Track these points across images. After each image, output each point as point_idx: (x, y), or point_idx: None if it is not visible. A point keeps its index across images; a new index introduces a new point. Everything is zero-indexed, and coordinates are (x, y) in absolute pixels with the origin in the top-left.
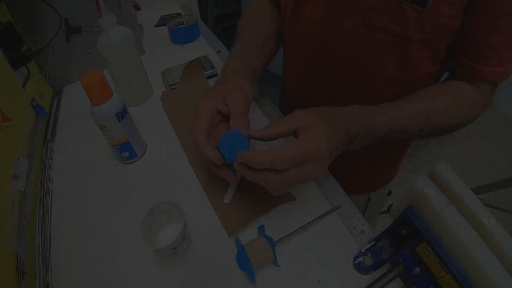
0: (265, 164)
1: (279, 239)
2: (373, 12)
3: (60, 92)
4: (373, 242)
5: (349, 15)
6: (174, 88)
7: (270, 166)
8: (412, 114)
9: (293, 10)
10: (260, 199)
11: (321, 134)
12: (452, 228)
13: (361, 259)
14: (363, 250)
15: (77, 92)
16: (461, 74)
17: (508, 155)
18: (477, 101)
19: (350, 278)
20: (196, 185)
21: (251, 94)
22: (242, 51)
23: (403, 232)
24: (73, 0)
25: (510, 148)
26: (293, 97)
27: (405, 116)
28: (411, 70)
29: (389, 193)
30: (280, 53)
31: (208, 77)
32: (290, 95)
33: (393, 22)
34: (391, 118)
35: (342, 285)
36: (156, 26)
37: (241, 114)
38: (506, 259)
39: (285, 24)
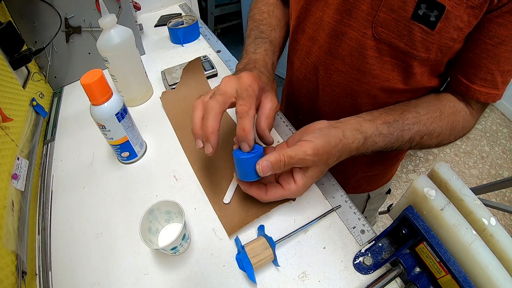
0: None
1: (279, 239)
2: (383, 26)
3: (60, 92)
4: (373, 242)
5: (359, 26)
6: (174, 88)
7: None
8: (407, 140)
9: (301, 12)
10: None
11: (304, 185)
12: (452, 228)
13: (361, 259)
14: (363, 250)
15: (77, 92)
16: (455, 88)
17: (508, 155)
18: (469, 123)
19: (350, 278)
20: (196, 185)
21: None
22: (273, 54)
23: (403, 232)
24: (73, 0)
25: (510, 148)
26: (297, 98)
27: (399, 142)
28: (413, 83)
29: (389, 191)
30: (283, 54)
31: (208, 77)
32: (295, 96)
33: (400, 39)
34: (386, 143)
35: (342, 285)
36: (156, 26)
37: (273, 118)
38: (506, 259)
39: (290, 24)
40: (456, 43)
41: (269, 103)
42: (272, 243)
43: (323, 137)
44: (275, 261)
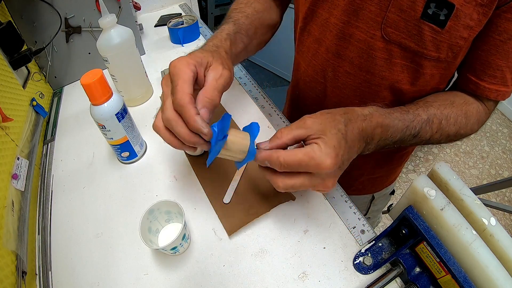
0: (266, 163)
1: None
2: (392, 27)
3: (60, 92)
4: (373, 242)
5: (367, 28)
6: None
7: (270, 165)
8: (426, 120)
9: (307, 14)
10: (260, 198)
11: (329, 149)
12: (452, 228)
13: (361, 259)
14: (363, 250)
15: (77, 92)
16: (464, 87)
17: (508, 155)
18: (482, 115)
19: (350, 278)
20: (196, 185)
21: (232, 79)
22: (234, 34)
23: (403, 232)
24: (73, 0)
25: (510, 148)
26: (303, 100)
27: (419, 122)
28: (422, 85)
29: (393, 192)
30: (283, 54)
31: None
32: (301, 98)
33: (410, 39)
34: (406, 122)
35: (342, 285)
36: (156, 26)
37: (214, 91)
38: (506, 259)
39: (296, 25)
40: (466, 42)
41: (213, 80)
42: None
43: (322, 111)
44: (241, 162)
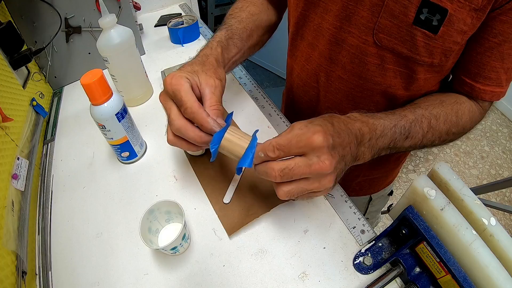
0: (261, 154)
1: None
2: (384, 33)
3: (60, 92)
4: (373, 242)
5: (360, 33)
6: None
7: (266, 155)
8: (414, 119)
9: (299, 19)
10: (260, 198)
11: (314, 127)
12: (452, 228)
13: (361, 259)
14: (363, 250)
15: (77, 92)
16: (458, 89)
17: (508, 155)
18: (475, 113)
19: (350, 278)
20: (196, 185)
21: (225, 86)
22: (226, 40)
23: (403, 232)
24: (73, 0)
25: (510, 148)
26: (297, 104)
27: (407, 121)
28: (416, 90)
29: (391, 193)
30: (283, 54)
31: None
32: (295, 102)
33: (403, 45)
34: (393, 121)
35: (342, 285)
36: (156, 26)
37: (217, 102)
38: (506, 259)
39: (289, 29)
40: (459, 46)
41: (210, 93)
42: (252, 145)
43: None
44: (242, 162)
